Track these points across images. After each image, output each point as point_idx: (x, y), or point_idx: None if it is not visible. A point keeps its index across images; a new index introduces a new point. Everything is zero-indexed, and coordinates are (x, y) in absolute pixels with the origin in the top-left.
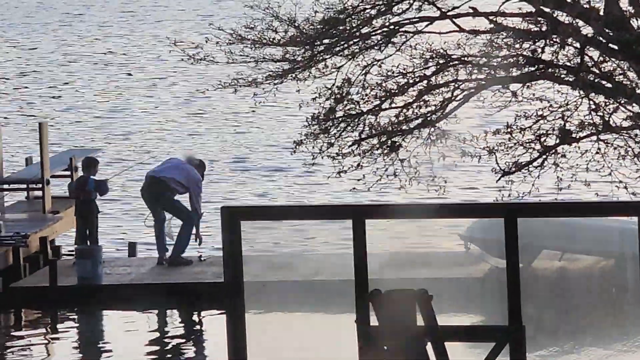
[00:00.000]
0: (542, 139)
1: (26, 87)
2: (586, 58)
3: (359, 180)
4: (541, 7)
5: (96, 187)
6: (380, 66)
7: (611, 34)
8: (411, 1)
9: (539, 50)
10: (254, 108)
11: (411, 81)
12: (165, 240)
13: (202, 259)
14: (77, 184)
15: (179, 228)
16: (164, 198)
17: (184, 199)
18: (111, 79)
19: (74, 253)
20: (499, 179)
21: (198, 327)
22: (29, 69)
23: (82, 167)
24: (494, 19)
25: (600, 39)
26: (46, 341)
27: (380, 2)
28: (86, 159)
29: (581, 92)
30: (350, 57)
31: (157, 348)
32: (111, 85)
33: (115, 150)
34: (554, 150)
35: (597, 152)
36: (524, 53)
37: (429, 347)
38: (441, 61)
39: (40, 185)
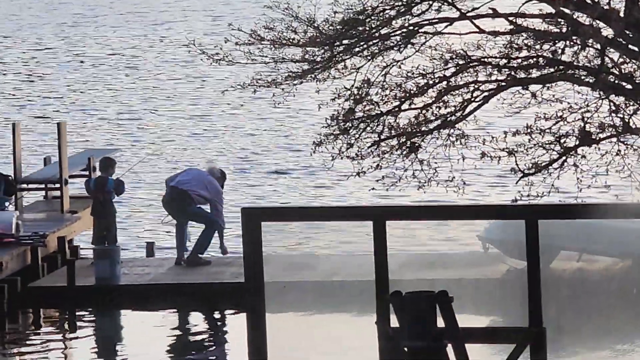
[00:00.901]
0: (562, 140)
1: (35, 88)
2: (606, 59)
3: (377, 181)
4: (561, 8)
5: (115, 187)
6: (399, 67)
7: (632, 35)
8: (430, 2)
9: (559, 51)
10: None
11: (431, 82)
12: (185, 241)
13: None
14: (96, 185)
15: (201, 231)
16: (188, 210)
17: (205, 208)
18: (122, 80)
19: (92, 253)
20: (519, 180)
21: (217, 327)
22: (40, 70)
23: (100, 167)
24: (514, 20)
25: (621, 40)
26: (64, 341)
27: (400, 3)
28: (104, 159)
29: (601, 94)
30: (369, 57)
31: (176, 348)
32: (122, 87)
33: (130, 151)
34: (573, 152)
35: (617, 154)
36: (544, 54)
37: (450, 349)
38: (461, 62)
39: (58, 185)
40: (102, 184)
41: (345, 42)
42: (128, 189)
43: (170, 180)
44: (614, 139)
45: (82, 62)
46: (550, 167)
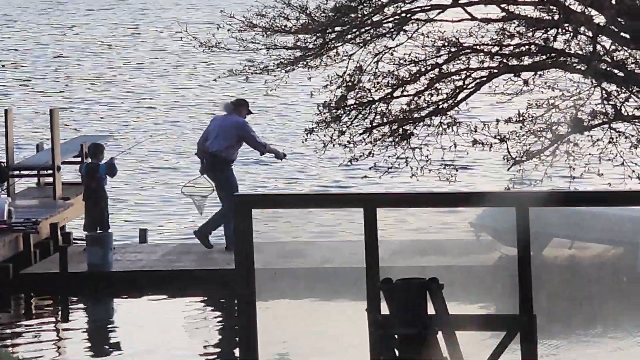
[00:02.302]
0: (554, 128)
1: (26, 75)
2: (598, 47)
3: (370, 168)
4: None
5: (107, 171)
6: (392, 54)
7: (623, 22)
8: None
9: (551, 38)
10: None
11: (423, 69)
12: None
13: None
14: (87, 172)
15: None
16: (219, 174)
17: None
18: (113, 67)
19: (84, 239)
20: (510, 167)
21: (209, 314)
22: (27, 55)
23: (90, 154)
24: (506, 7)
25: (613, 27)
26: (56, 327)
27: None
28: (93, 145)
29: (593, 81)
30: (361, 44)
31: (168, 334)
32: (113, 73)
33: (122, 137)
34: (565, 139)
35: (609, 142)
36: (536, 41)
37: (440, 336)
38: (453, 49)
39: (51, 172)
40: (93, 170)
41: (337, 29)
42: (120, 174)
43: (205, 142)
44: (606, 127)
45: (69, 47)
46: (542, 154)
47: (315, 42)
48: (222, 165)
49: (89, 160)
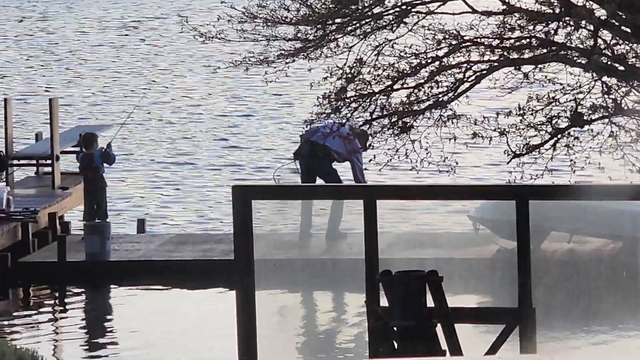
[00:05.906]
0: (554, 121)
1: (26, 64)
2: (599, 40)
3: (369, 160)
4: None
5: (103, 160)
6: (392, 46)
7: (624, 16)
8: None
9: (552, 32)
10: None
11: (423, 62)
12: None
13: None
14: (83, 163)
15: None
16: (322, 163)
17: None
18: (116, 56)
19: (82, 229)
20: (510, 160)
21: (207, 304)
22: (29, 46)
23: (84, 145)
24: (507, 0)
25: (614, 21)
26: (53, 316)
27: None
28: (86, 136)
29: (594, 75)
30: (362, 36)
31: (165, 325)
32: (116, 63)
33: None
34: (566, 133)
35: (609, 135)
36: (537, 35)
37: (439, 329)
38: (453, 42)
39: (50, 161)
40: (89, 162)
41: (337, 20)
42: (119, 164)
43: (310, 134)
44: (606, 120)
45: (71, 38)
46: (542, 148)
47: (315, 34)
48: (329, 157)
49: (84, 151)
